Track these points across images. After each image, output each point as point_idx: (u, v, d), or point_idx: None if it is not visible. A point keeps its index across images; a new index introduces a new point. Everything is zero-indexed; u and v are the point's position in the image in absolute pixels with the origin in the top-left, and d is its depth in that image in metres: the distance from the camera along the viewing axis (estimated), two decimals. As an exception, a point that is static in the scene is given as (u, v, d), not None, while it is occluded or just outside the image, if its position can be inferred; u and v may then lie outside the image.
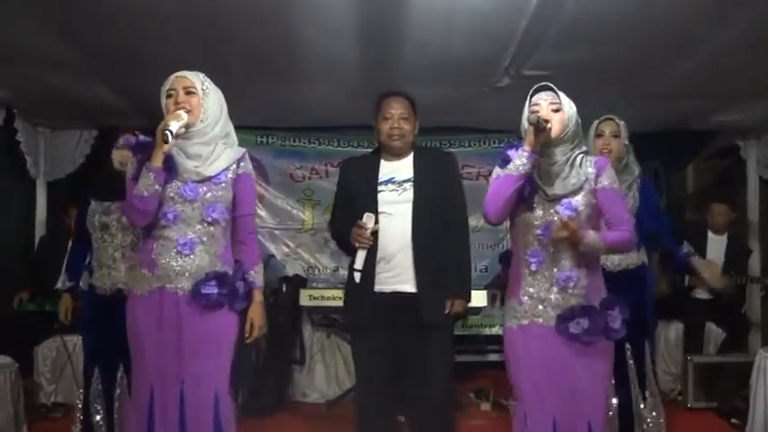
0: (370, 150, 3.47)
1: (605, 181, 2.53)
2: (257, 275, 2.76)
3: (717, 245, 5.19)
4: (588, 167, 2.54)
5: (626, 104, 3.74)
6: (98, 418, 3.37)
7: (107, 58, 3.87)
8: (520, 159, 2.47)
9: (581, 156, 2.54)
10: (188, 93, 2.62)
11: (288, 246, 5.83)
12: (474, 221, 5.71)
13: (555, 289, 2.52)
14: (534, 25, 3.40)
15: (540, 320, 2.53)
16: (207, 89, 2.66)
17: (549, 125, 2.45)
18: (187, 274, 2.61)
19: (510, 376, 2.63)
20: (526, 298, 2.55)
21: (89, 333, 3.45)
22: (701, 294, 5.10)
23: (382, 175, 3.16)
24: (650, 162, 3.65)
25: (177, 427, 2.57)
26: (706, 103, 4.76)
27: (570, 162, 2.52)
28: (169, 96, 2.62)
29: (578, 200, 2.51)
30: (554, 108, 2.52)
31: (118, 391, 3.34)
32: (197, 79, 2.65)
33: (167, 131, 2.46)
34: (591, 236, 2.45)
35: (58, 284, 4.93)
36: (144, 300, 2.64)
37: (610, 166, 2.58)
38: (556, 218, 2.50)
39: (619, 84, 3.96)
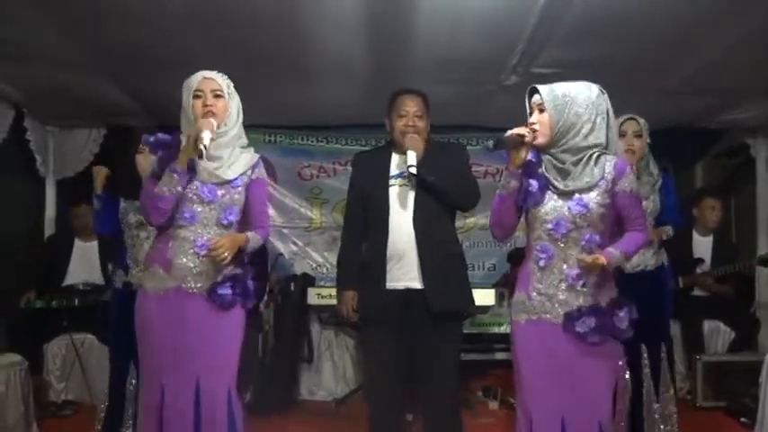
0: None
1: (624, 184, 2.49)
2: (254, 237, 2.73)
3: (702, 246, 5.15)
4: (606, 167, 2.48)
5: (634, 102, 3.72)
6: (130, 413, 3.36)
7: (116, 57, 3.88)
8: (505, 179, 2.55)
9: (597, 154, 2.49)
10: (216, 96, 2.65)
11: (296, 244, 5.84)
12: (483, 219, 5.76)
13: (563, 286, 2.50)
14: (542, 23, 3.39)
15: (549, 317, 2.51)
16: (231, 93, 2.70)
17: (525, 137, 2.46)
18: (204, 274, 2.65)
19: (515, 372, 2.61)
20: (535, 294, 2.54)
21: (122, 330, 3.36)
22: (700, 292, 5.10)
23: (393, 169, 3.19)
24: (659, 160, 3.64)
25: (191, 424, 2.59)
26: (715, 101, 4.75)
27: (584, 161, 2.48)
28: (197, 97, 2.64)
29: (591, 197, 2.47)
30: (540, 109, 2.51)
31: (132, 387, 3.34)
32: (223, 82, 2.68)
33: (202, 146, 2.48)
34: (613, 256, 2.44)
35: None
36: (158, 298, 2.66)
37: (630, 170, 2.52)
38: (566, 212, 2.48)
39: (627, 81, 3.94)
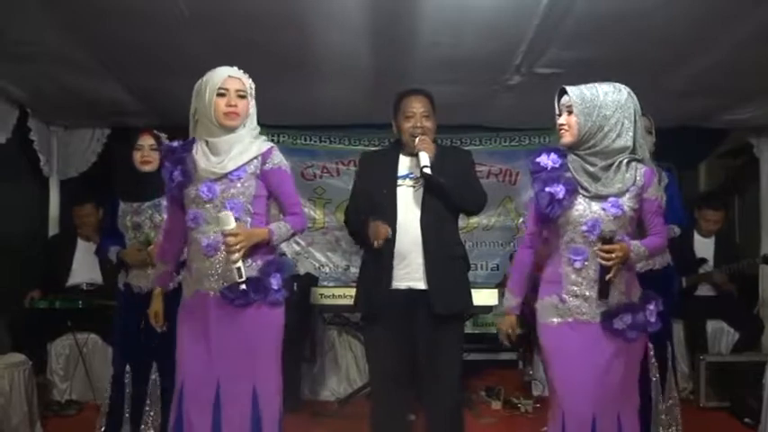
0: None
1: (652, 193, 2.57)
2: (281, 228, 2.67)
3: (704, 246, 5.15)
4: (638, 174, 2.53)
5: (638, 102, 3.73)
6: (126, 414, 3.41)
7: (120, 57, 3.89)
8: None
9: (627, 160, 2.52)
10: (240, 96, 2.62)
11: (299, 244, 5.84)
12: (485, 220, 5.78)
13: (597, 287, 2.52)
14: (545, 23, 3.39)
15: (585, 318, 2.55)
16: (252, 91, 2.67)
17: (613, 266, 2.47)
18: (215, 275, 2.60)
19: (547, 373, 2.66)
20: (569, 296, 2.57)
21: (123, 330, 3.45)
22: (703, 292, 5.10)
23: (401, 170, 3.18)
24: (662, 160, 3.64)
25: (210, 426, 2.57)
26: (719, 101, 4.74)
27: (614, 167, 2.51)
28: (221, 95, 2.59)
29: (624, 200, 2.52)
30: (569, 111, 2.53)
31: (149, 389, 3.40)
32: (246, 81, 2.66)
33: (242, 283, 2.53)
34: (635, 245, 2.51)
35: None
36: (186, 302, 2.69)
37: (656, 179, 2.61)
38: (602, 214, 2.51)
39: (631, 81, 3.91)
